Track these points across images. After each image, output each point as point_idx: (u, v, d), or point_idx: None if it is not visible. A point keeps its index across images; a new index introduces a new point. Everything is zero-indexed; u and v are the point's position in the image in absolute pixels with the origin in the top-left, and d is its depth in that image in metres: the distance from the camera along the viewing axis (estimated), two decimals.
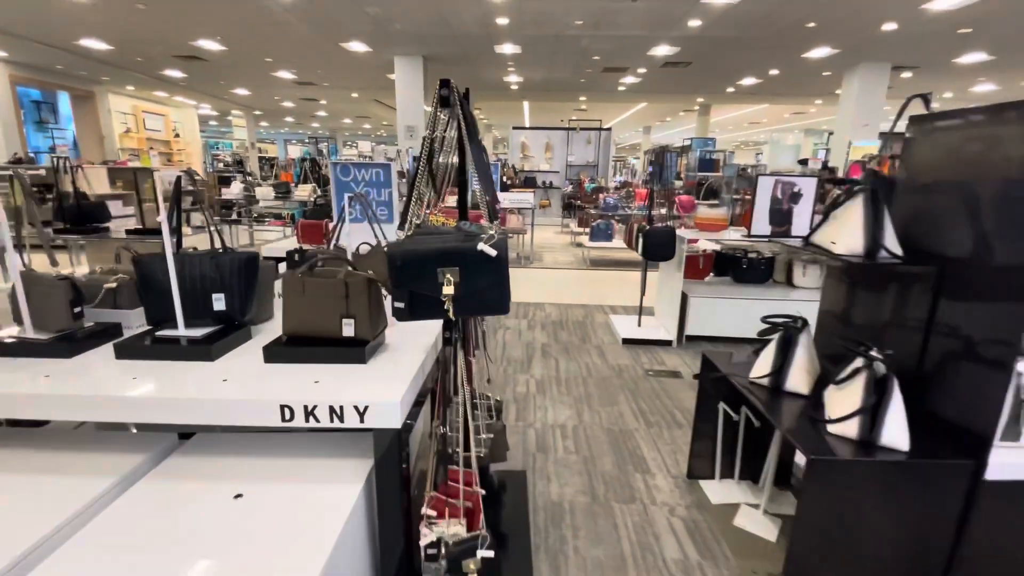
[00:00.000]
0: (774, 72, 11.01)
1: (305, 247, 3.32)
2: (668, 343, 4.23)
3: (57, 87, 12.28)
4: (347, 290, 1.50)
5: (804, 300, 4.18)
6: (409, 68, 10.14)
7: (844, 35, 8.07)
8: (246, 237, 8.76)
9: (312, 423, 1.30)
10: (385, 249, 2.04)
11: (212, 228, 1.75)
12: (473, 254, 1.17)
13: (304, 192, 7.30)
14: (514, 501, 2.09)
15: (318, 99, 16.29)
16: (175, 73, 12.14)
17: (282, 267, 3.49)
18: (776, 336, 1.84)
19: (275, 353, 1.51)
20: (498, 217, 1.22)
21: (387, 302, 1.54)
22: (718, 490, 2.29)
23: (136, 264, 1.63)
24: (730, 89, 13.25)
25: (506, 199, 7.95)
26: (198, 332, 1.60)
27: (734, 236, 4.15)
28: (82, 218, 4.37)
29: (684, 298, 4.15)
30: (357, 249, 2.40)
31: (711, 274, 4.64)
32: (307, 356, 1.51)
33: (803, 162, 10.10)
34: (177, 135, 16.10)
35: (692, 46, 8.97)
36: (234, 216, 8.21)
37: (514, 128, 12.28)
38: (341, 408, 1.29)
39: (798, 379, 1.78)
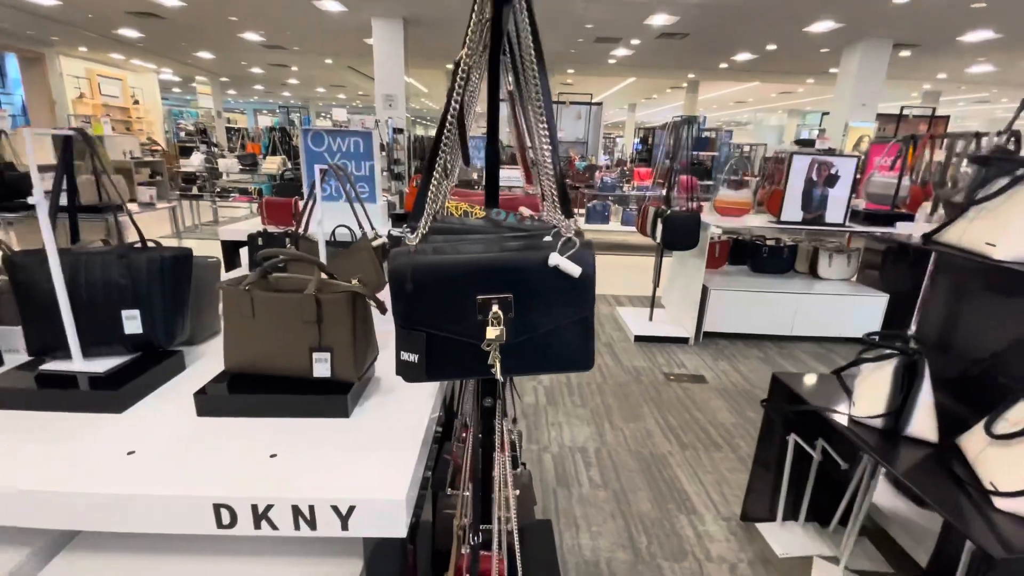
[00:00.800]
0: (771, 47, 10.54)
1: (271, 229, 2.81)
2: (684, 340, 3.81)
3: (4, 48, 11.17)
4: (319, 311, 1.01)
5: (833, 293, 3.80)
6: (388, 31, 9.32)
7: (853, 7, 7.62)
8: (210, 214, 8.06)
9: (265, 529, 0.83)
10: (374, 244, 1.54)
11: (117, 212, 1.23)
12: (539, 271, 0.67)
13: (272, 165, 6.66)
14: (540, 564, 1.64)
15: (289, 65, 15.26)
16: (130, 32, 11.07)
17: (243, 254, 2.93)
18: (894, 364, 1.40)
19: (212, 403, 1.01)
20: (573, 213, 0.72)
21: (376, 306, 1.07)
22: (782, 537, 1.88)
23: (7, 266, 1.11)
24: (723, 65, 12.75)
25: None
26: (103, 365, 1.10)
27: (758, 222, 3.72)
28: (6, 192, 3.73)
29: (704, 291, 3.71)
30: (333, 234, 1.91)
31: (726, 263, 4.23)
32: (260, 407, 1.02)
33: (807, 143, 9.65)
34: (136, 102, 14.91)
35: (691, 16, 8.42)
36: (195, 191, 7.49)
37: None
38: (311, 508, 0.81)
39: (924, 423, 1.35)
